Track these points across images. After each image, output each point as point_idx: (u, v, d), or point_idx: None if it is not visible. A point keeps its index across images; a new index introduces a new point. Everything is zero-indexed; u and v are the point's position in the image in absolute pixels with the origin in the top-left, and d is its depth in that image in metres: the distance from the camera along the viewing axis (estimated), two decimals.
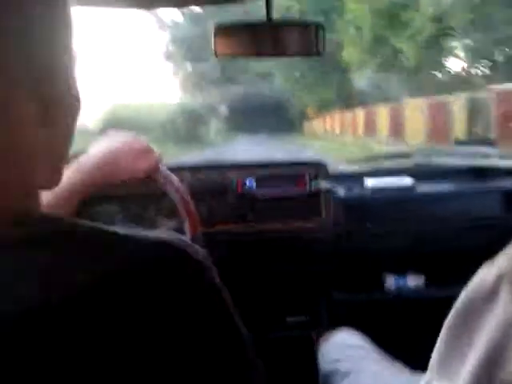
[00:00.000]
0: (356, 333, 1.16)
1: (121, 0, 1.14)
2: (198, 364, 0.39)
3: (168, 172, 1.03)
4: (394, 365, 1.02)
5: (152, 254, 0.40)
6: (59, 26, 0.41)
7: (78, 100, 0.44)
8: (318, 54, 1.16)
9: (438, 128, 13.41)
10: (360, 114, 20.77)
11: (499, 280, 0.44)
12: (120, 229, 0.41)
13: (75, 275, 0.36)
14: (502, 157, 1.73)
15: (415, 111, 14.91)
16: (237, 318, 0.43)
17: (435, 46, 16.73)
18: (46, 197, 0.82)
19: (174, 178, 1.03)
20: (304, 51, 1.18)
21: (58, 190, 0.84)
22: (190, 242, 0.44)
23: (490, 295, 0.44)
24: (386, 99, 18.77)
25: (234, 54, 1.20)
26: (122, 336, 0.36)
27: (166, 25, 29.18)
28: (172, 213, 1.38)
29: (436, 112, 13.92)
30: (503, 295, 0.43)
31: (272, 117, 26.77)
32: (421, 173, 1.66)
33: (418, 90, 17.15)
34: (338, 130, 23.47)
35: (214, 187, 1.43)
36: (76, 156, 0.94)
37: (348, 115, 22.36)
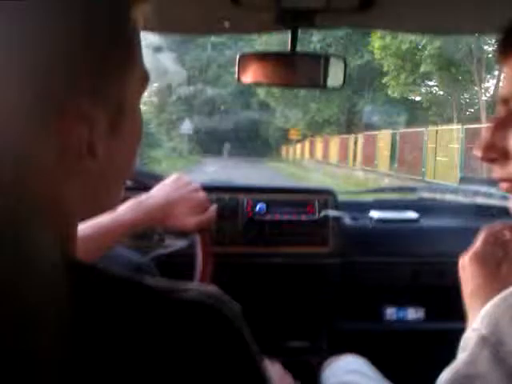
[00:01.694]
0: (360, 359, 1.17)
1: None
2: None
3: (210, 236, 1.03)
4: None
5: (186, 316, 0.39)
6: None
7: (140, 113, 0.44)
8: (339, 87, 1.20)
9: None
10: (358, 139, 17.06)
11: (480, 343, 0.48)
12: (152, 281, 0.40)
13: (104, 330, 0.36)
14: (503, 197, 1.77)
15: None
16: (264, 370, 0.42)
17: None
18: (93, 225, 0.85)
19: (210, 246, 1.03)
20: (324, 84, 1.22)
21: (107, 221, 0.87)
22: (225, 301, 0.42)
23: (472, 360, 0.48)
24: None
25: (256, 81, 1.24)
26: None
27: None
28: (181, 231, 1.40)
29: None
30: (484, 360, 0.46)
31: (246, 137, 23.27)
32: (426, 207, 1.70)
33: None
34: (334, 158, 19.38)
35: (224, 209, 1.45)
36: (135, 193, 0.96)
37: (347, 140, 18.34)
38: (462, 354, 0.50)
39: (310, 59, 1.25)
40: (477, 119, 12.82)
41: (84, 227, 0.84)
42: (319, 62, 1.23)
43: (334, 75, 1.21)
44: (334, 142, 19.60)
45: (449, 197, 1.74)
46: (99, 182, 0.42)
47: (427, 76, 15.05)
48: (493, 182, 1.87)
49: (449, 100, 15.64)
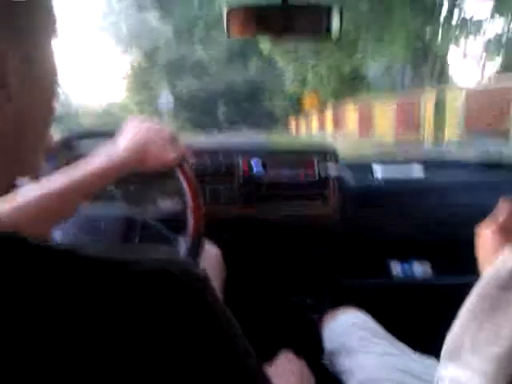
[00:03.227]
0: (361, 313, 1.16)
1: None
2: None
3: (190, 167, 1.00)
4: (399, 346, 1.02)
5: (144, 287, 0.35)
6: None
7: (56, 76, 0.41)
8: (335, 39, 1.15)
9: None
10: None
11: None
12: (96, 251, 0.36)
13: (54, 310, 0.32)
14: None
15: None
16: (240, 340, 0.39)
17: None
18: (61, 181, 0.79)
19: (193, 175, 0.99)
20: (319, 35, 1.17)
21: (83, 175, 0.81)
22: (187, 266, 0.39)
23: (508, 283, 0.46)
24: None
25: (247, 35, 1.20)
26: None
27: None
28: (174, 192, 1.38)
29: None
30: None
31: (245, 106, 18.74)
32: (431, 162, 1.65)
33: None
34: (383, 130, 11.49)
35: (220, 170, 1.43)
36: (103, 143, 0.91)
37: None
38: (496, 268, 0.49)
39: (303, 10, 1.20)
40: None
41: (52, 184, 0.78)
42: (314, 12, 1.19)
43: (329, 26, 1.16)
44: (384, 107, 11.81)
45: (456, 152, 1.69)
46: (12, 139, 0.38)
47: None
48: (502, 135, 1.81)
49: None
